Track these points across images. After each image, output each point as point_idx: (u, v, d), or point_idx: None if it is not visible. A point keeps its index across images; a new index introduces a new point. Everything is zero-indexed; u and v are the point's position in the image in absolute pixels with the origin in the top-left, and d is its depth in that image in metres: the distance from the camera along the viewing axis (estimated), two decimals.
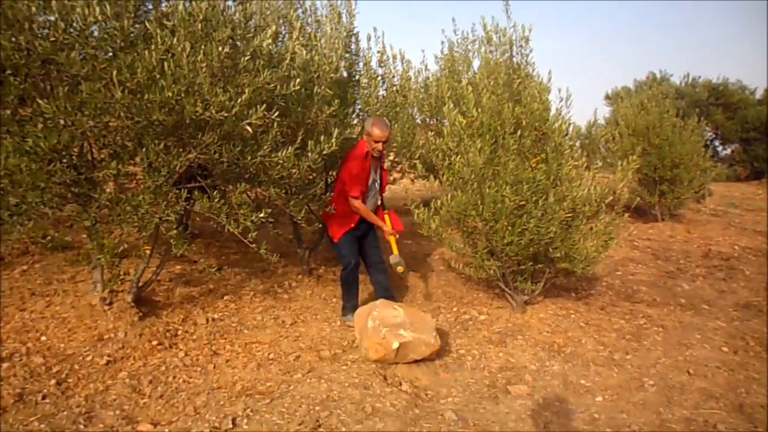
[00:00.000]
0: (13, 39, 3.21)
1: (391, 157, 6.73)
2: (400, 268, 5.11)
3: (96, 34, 3.49)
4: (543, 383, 4.29)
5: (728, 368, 4.64)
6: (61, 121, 3.43)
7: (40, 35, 3.31)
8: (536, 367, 4.54)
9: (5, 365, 3.68)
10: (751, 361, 4.79)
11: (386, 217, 5.19)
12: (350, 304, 5.10)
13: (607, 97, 23.38)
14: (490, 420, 3.74)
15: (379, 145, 4.87)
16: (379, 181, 5.18)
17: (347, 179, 4.91)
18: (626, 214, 5.58)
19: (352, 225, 5.02)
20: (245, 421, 3.47)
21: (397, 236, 5.19)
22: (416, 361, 4.36)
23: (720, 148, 21.76)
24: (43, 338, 4.05)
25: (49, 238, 4.24)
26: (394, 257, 5.11)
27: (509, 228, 4.85)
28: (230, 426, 3.38)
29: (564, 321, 5.42)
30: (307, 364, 4.30)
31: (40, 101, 3.33)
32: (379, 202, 5.23)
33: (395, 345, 4.24)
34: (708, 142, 19.18)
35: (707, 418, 3.85)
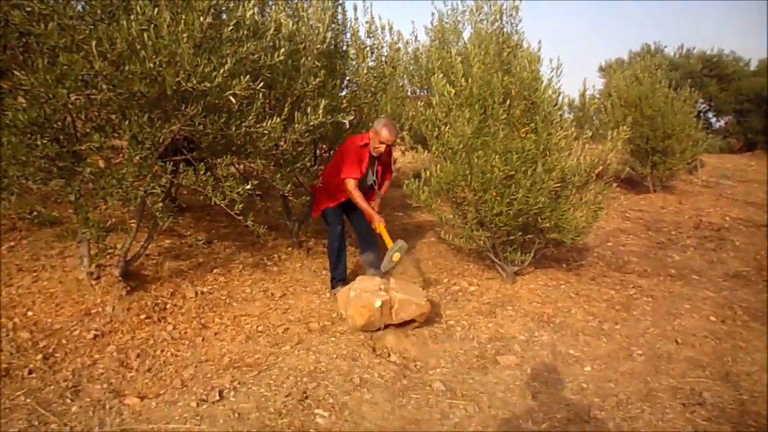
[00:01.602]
0: None
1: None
2: (395, 256, 5.00)
3: (75, 4, 3.44)
4: (532, 353, 4.30)
5: (715, 337, 4.67)
6: (42, 94, 3.38)
7: (16, 5, 3.25)
8: (525, 337, 4.55)
9: None
10: (738, 330, 4.82)
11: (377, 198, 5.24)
12: (338, 274, 5.09)
13: (601, 69, 23.28)
14: (478, 390, 3.76)
15: (382, 147, 4.92)
16: (374, 179, 5.19)
17: (344, 161, 4.92)
18: (616, 185, 5.56)
19: (340, 201, 5.09)
20: (232, 393, 3.47)
21: (386, 226, 5.07)
22: (405, 323, 4.41)
23: (714, 120, 21.73)
24: (30, 313, 4.03)
25: (35, 213, 4.20)
26: (391, 250, 4.93)
27: (498, 198, 4.83)
28: (217, 398, 3.38)
29: (554, 291, 5.43)
30: (295, 337, 4.30)
31: (18, 73, 3.28)
32: (371, 189, 5.23)
33: (377, 303, 4.25)
34: (701, 114, 19.16)
35: (694, 386, 3.87)
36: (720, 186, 11.64)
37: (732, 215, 9.04)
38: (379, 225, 4.99)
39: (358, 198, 4.92)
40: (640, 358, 4.29)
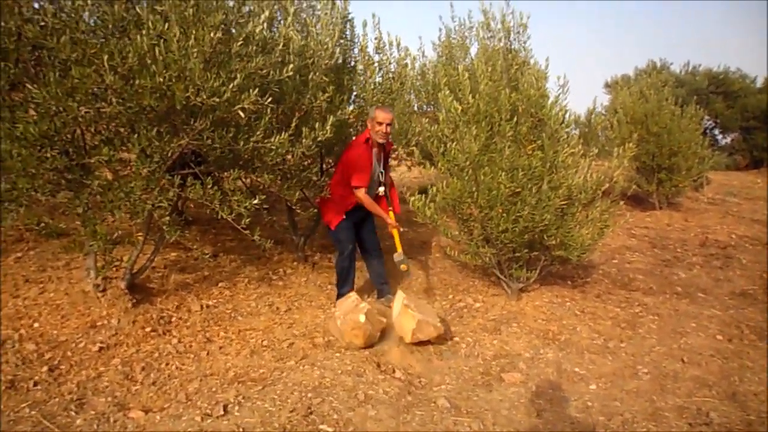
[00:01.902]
0: (2, 23, 3.18)
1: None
2: (403, 267, 5.08)
3: (87, 19, 3.48)
4: (537, 371, 4.29)
5: (722, 356, 4.64)
6: (53, 107, 3.41)
7: (29, 20, 3.29)
8: (530, 354, 4.54)
9: None
10: (745, 349, 4.79)
11: (390, 212, 5.16)
12: (345, 291, 5.07)
13: (607, 85, 23.31)
14: (483, 407, 3.74)
15: (383, 127, 4.83)
16: (382, 172, 5.15)
17: (351, 169, 4.90)
18: (623, 202, 5.57)
19: (348, 209, 5.03)
20: (237, 408, 3.46)
21: (401, 230, 5.18)
22: (420, 343, 4.43)
23: (720, 137, 21.68)
24: (36, 325, 4.05)
25: (43, 225, 4.22)
26: (398, 255, 5.09)
27: (504, 215, 4.83)
28: (222, 413, 3.38)
29: (559, 309, 5.41)
30: (300, 351, 4.29)
31: (30, 86, 3.31)
32: (381, 193, 5.18)
33: (362, 318, 4.30)
34: (707, 131, 19.14)
35: (700, 406, 3.85)
36: (726, 203, 11.61)
37: (738, 233, 9.01)
38: (394, 231, 5.06)
39: (370, 204, 4.95)
40: (645, 377, 4.27)
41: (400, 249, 5.08)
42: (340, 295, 5.10)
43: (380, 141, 4.92)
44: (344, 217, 5.04)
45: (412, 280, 5.90)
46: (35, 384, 3.49)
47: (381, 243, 5.42)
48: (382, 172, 5.13)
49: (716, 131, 21.25)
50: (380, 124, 4.81)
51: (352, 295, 4.60)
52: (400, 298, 4.42)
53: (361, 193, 4.89)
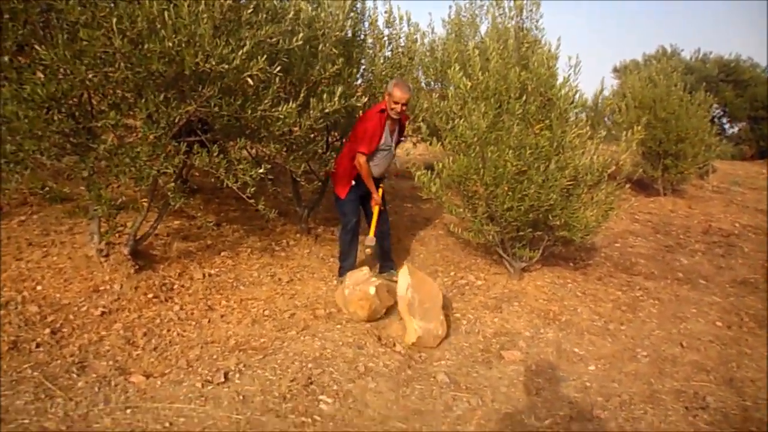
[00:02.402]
0: None
1: None
2: (368, 251, 5.15)
3: None
4: (536, 350, 4.31)
5: (721, 342, 4.66)
6: (60, 69, 3.39)
7: None
8: (530, 333, 4.55)
9: (1, 312, 3.69)
10: (744, 336, 4.81)
11: (380, 189, 5.20)
12: (347, 264, 5.09)
13: (615, 70, 23.16)
14: (482, 384, 3.76)
15: (398, 107, 4.78)
16: (393, 146, 5.12)
17: (360, 135, 4.87)
18: (628, 187, 5.54)
19: (353, 182, 5.01)
20: (237, 375, 3.48)
21: (383, 208, 5.20)
22: None
23: (727, 126, 21.55)
24: (39, 288, 4.06)
25: (47, 189, 4.23)
26: (370, 240, 5.12)
27: (509, 193, 4.81)
28: (222, 380, 3.40)
29: (561, 289, 5.42)
30: (301, 322, 4.31)
31: (38, 48, 3.29)
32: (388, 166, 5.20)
33: (372, 290, 4.34)
34: (715, 119, 19.00)
35: (697, 390, 3.87)
36: (731, 192, 11.57)
37: (742, 222, 8.99)
38: (375, 208, 5.11)
39: (366, 174, 4.92)
40: (644, 360, 4.29)
41: (372, 234, 5.11)
42: (341, 269, 5.11)
43: (394, 117, 4.88)
44: (352, 184, 5.02)
45: (415, 256, 5.91)
46: (38, 345, 3.51)
47: (389, 219, 5.41)
48: (391, 146, 5.09)
49: (724, 120, 21.12)
50: (396, 103, 4.77)
51: (365, 269, 4.61)
52: (405, 273, 4.40)
53: (362, 159, 4.85)
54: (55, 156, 3.68)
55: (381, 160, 5.05)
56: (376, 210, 5.14)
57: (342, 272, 5.08)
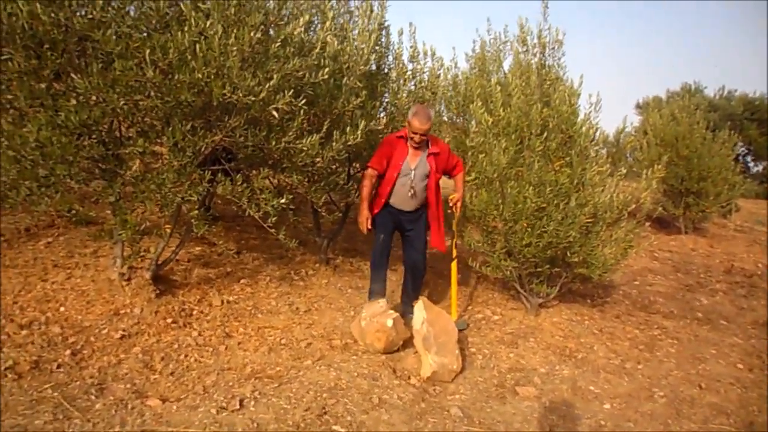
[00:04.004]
0: (53, 15, 3.28)
1: None
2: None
3: (132, 13, 3.56)
4: (551, 387, 4.29)
5: (741, 385, 4.60)
6: (93, 97, 3.51)
7: (78, 12, 3.38)
8: (546, 370, 4.53)
9: (24, 332, 3.76)
10: (765, 379, 4.74)
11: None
12: (375, 287, 4.94)
13: (638, 106, 23.16)
14: (495, 419, 3.75)
15: (417, 137, 4.64)
16: (420, 174, 4.80)
17: (375, 151, 4.83)
18: (648, 224, 5.53)
19: (383, 202, 4.82)
20: (252, 403, 3.51)
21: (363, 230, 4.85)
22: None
23: (752, 164, 21.42)
24: (62, 309, 4.13)
25: (74, 212, 4.32)
26: (461, 322, 5.01)
27: (529, 229, 4.84)
28: (237, 407, 3.43)
29: (577, 326, 5.40)
30: (317, 352, 4.33)
31: (74, 76, 3.40)
32: (420, 200, 4.90)
33: (389, 323, 4.32)
34: (739, 157, 18.89)
35: None
36: (754, 232, 11.47)
37: (765, 262, 8.90)
38: (454, 260, 5.03)
39: (364, 191, 4.77)
40: (661, 400, 4.25)
41: (455, 315, 4.96)
42: (370, 291, 4.94)
43: (415, 146, 4.74)
44: (382, 206, 4.85)
45: (432, 290, 5.92)
46: (58, 366, 3.57)
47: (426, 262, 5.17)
48: (414, 172, 4.78)
49: (748, 158, 20.98)
50: (415, 133, 4.63)
51: (382, 301, 4.58)
52: (420, 307, 4.41)
53: (367, 172, 4.78)
54: (83, 180, 3.79)
55: (400, 188, 4.80)
56: (454, 271, 5.00)
57: (371, 296, 4.93)
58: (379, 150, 4.83)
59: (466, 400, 3.95)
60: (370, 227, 4.81)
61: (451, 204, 4.96)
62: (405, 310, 4.99)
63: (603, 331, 5.41)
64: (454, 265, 5.07)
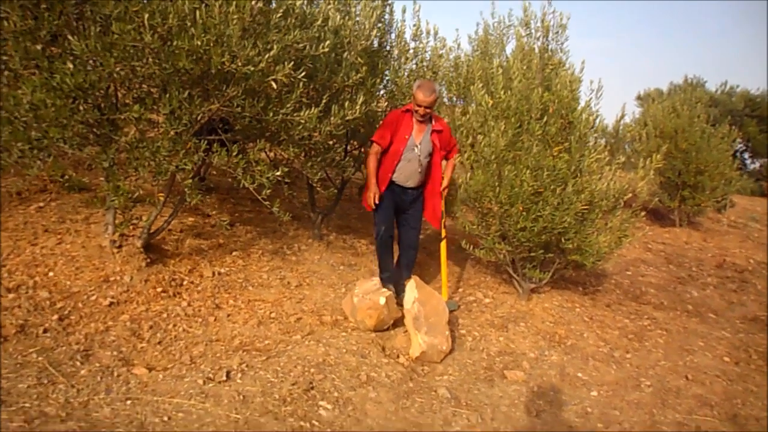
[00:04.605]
0: None
1: None
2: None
3: None
4: (540, 372, 4.29)
5: (727, 378, 4.61)
6: (90, 61, 3.45)
7: None
8: (535, 355, 4.54)
9: (11, 296, 3.73)
10: (751, 373, 4.76)
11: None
12: (385, 276, 4.93)
13: (639, 97, 23.09)
14: (483, 401, 3.76)
15: (421, 110, 4.64)
16: (425, 150, 4.82)
17: (379, 126, 4.82)
18: (643, 215, 5.51)
19: (388, 177, 4.80)
20: (239, 375, 3.50)
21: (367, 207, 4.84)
22: None
23: (749, 161, 21.40)
24: (51, 274, 4.09)
25: (67, 177, 4.28)
26: (450, 304, 4.95)
27: (524, 213, 4.81)
28: (224, 378, 3.42)
29: (568, 313, 5.40)
30: (307, 327, 4.32)
31: (71, 39, 3.34)
32: (425, 175, 4.94)
33: (382, 300, 4.33)
34: (737, 153, 18.87)
35: (700, 424, 3.84)
36: (747, 228, 11.47)
37: (757, 258, 8.91)
38: (443, 240, 5.03)
39: (370, 165, 4.75)
40: (648, 390, 4.26)
41: (445, 295, 4.94)
42: (381, 279, 4.78)
43: (419, 120, 4.73)
44: (383, 192, 4.82)
45: (424, 270, 5.91)
46: (45, 331, 3.54)
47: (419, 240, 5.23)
48: (419, 148, 4.78)
49: (746, 155, 20.97)
50: (419, 105, 4.63)
51: (375, 279, 4.58)
52: (412, 287, 4.40)
53: (372, 148, 4.77)
54: (77, 145, 3.73)
55: (406, 163, 4.79)
56: (443, 250, 5.00)
57: (384, 282, 4.80)
58: (383, 124, 4.82)
59: (454, 381, 3.95)
60: (377, 202, 4.78)
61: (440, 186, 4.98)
62: (398, 288, 4.96)
63: (593, 318, 5.42)
64: (443, 245, 5.06)
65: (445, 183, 4.98)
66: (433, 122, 4.86)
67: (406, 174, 4.84)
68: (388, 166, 4.81)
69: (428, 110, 4.69)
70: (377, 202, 4.77)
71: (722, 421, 3.93)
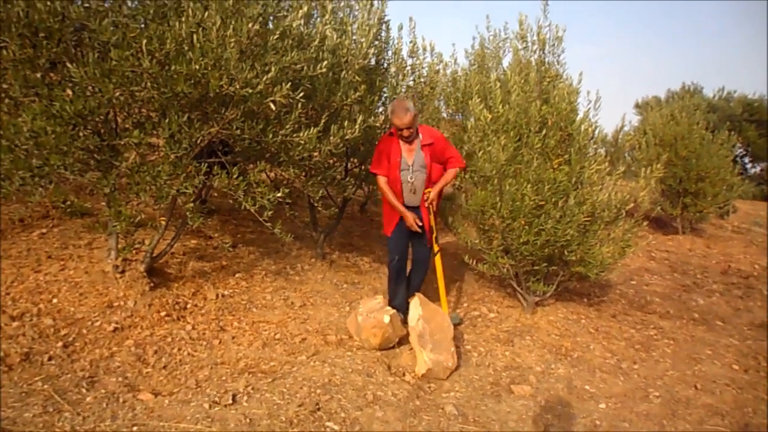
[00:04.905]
0: (49, 3, 3.25)
1: None
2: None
3: (129, 3, 3.53)
4: (547, 385, 4.27)
5: (737, 386, 4.58)
6: (89, 87, 3.47)
7: (75, 1, 3.35)
8: (541, 368, 4.51)
9: (15, 324, 3.73)
10: (761, 381, 4.72)
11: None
12: (395, 304, 4.89)
13: (637, 105, 23.15)
14: (490, 418, 3.73)
15: (405, 132, 4.57)
16: (418, 166, 4.72)
17: (373, 157, 4.81)
18: (646, 224, 5.50)
19: (398, 219, 4.81)
20: (245, 398, 3.48)
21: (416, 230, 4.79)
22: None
23: (749, 166, 21.40)
24: (55, 300, 4.10)
25: (69, 203, 4.29)
26: (454, 317, 5.00)
27: (526, 227, 4.81)
28: (230, 402, 3.40)
29: (573, 325, 5.38)
30: (312, 347, 4.31)
31: (70, 66, 3.37)
32: (420, 194, 4.83)
33: (386, 319, 4.31)
34: (737, 158, 18.88)
35: None
36: (751, 233, 11.44)
37: (762, 264, 8.88)
38: (436, 255, 4.91)
39: (388, 195, 4.73)
40: (656, 400, 4.23)
41: (445, 307, 4.86)
42: (390, 304, 4.79)
43: (405, 140, 4.67)
44: (397, 222, 4.82)
45: (428, 287, 5.89)
46: (50, 358, 3.54)
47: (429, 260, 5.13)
48: (412, 166, 4.72)
49: (746, 159, 20.97)
50: (399, 129, 4.57)
51: (379, 298, 4.58)
52: (416, 304, 4.38)
53: (379, 183, 4.75)
54: (78, 171, 3.74)
55: (405, 184, 4.75)
56: (438, 265, 4.91)
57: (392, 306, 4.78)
58: (376, 153, 4.80)
59: (461, 398, 3.93)
60: (420, 224, 4.78)
61: (424, 197, 4.84)
62: (399, 304, 4.97)
63: (599, 330, 5.39)
64: (437, 259, 5.01)
65: (431, 195, 4.81)
66: (421, 137, 4.76)
67: (408, 197, 4.82)
68: (396, 194, 4.78)
69: (410, 130, 4.60)
70: (419, 223, 4.76)
71: (733, 431, 3.89)
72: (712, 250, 9.63)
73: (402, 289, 5.05)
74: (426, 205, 4.84)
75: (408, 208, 4.81)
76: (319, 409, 3.45)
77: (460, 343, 4.70)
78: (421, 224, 4.79)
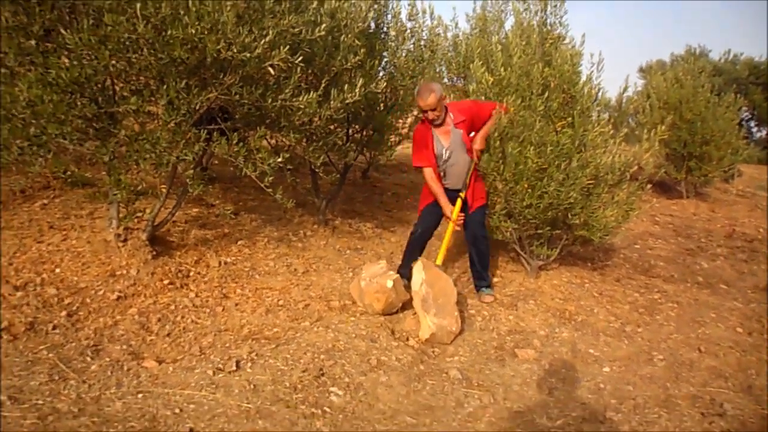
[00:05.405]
0: None
1: (415, 113, 6.52)
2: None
3: None
4: (551, 349, 4.27)
5: (740, 349, 4.57)
6: (85, 54, 3.42)
7: None
8: (545, 332, 4.52)
9: (19, 294, 3.72)
10: (764, 343, 4.72)
11: (458, 200, 4.80)
12: (404, 272, 4.84)
13: (641, 69, 22.93)
14: (494, 381, 3.74)
15: (430, 114, 4.57)
16: (456, 146, 4.74)
17: (412, 150, 4.81)
18: (650, 188, 5.46)
19: (431, 199, 4.86)
20: (249, 364, 3.49)
21: (458, 228, 4.85)
22: None
23: (755, 130, 21.24)
24: (58, 270, 4.09)
25: (69, 173, 4.26)
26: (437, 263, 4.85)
27: (529, 190, 4.77)
28: (234, 368, 3.41)
29: (577, 289, 5.38)
30: (315, 313, 4.31)
31: (64, 33, 3.31)
32: (465, 172, 4.83)
33: (389, 283, 4.29)
34: (743, 122, 18.73)
35: (714, 396, 3.80)
36: (756, 197, 11.40)
37: (766, 227, 8.86)
38: (450, 226, 4.82)
39: (433, 187, 4.74)
40: (660, 363, 4.23)
41: (440, 260, 4.83)
42: (400, 275, 4.66)
43: (436, 124, 4.68)
44: (429, 202, 4.89)
45: (431, 251, 5.88)
46: (54, 327, 3.54)
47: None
48: (448, 149, 4.73)
49: (752, 123, 20.80)
50: (423, 112, 4.59)
51: (382, 262, 4.55)
52: (419, 268, 4.36)
53: (426, 176, 4.75)
54: (77, 140, 3.71)
55: (450, 168, 4.80)
56: (449, 232, 4.87)
57: (399, 271, 4.84)
58: (415, 146, 4.79)
59: (465, 362, 3.94)
60: (461, 222, 4.83)
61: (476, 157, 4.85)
62: (477, 285, 5.06)
63: (603, 294, 5.39)
64: (449, 230, 4.93)
65: (476, 146, 4.79)
66: (452, 116, 4.73)
67: (454, 180, 4.85)
68: (438, 179, 4.80)
69: (435, 112, 4.57)
70: (460, 222, 4.82)
71: (737, 392, 3.89)
72: (716, 214, 9.60)
73: (417, 258, 4.92)
74: (476, 161, 4.84)
75: (451, 191, 4.82)
76: (323, 375, 3.46)
77: (463, 307, 4.70)
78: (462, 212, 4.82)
